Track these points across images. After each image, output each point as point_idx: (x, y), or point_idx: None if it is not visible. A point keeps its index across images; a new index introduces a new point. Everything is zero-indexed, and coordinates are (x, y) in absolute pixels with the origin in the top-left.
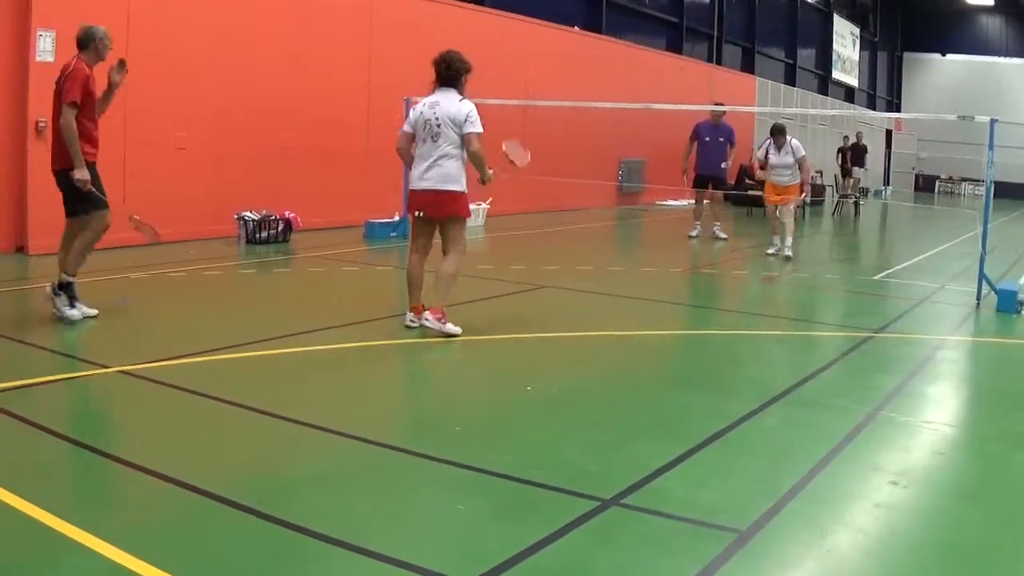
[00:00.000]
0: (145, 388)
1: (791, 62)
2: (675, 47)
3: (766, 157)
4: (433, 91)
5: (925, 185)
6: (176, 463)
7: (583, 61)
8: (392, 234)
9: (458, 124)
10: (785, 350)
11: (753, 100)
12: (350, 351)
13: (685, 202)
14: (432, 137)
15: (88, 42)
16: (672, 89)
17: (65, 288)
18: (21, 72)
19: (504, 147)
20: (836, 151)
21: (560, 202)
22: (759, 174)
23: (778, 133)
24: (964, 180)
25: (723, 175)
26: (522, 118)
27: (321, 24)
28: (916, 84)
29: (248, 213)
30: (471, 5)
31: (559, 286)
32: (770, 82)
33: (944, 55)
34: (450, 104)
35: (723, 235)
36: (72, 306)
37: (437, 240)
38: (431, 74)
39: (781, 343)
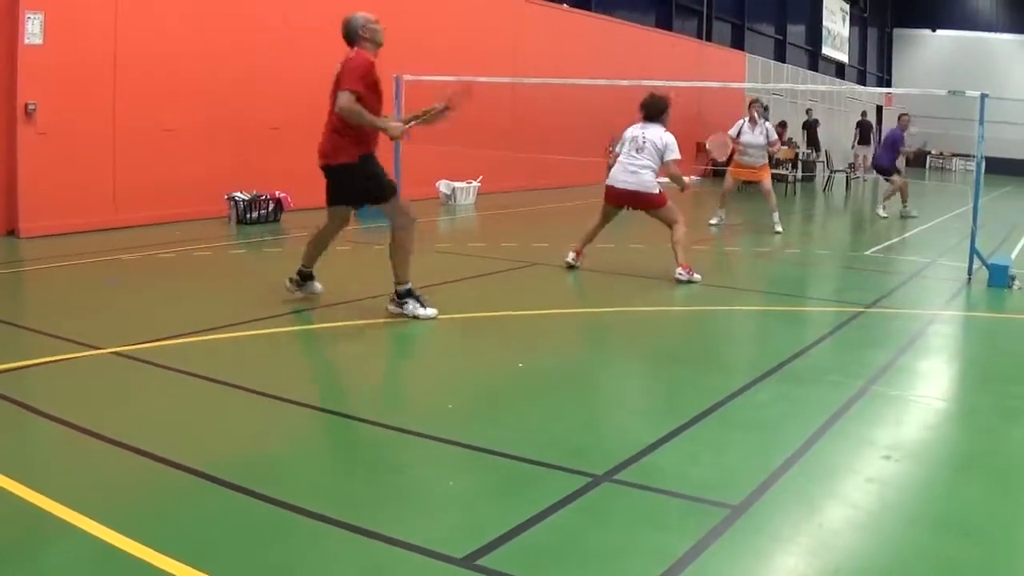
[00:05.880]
0: (137, 369)
1: (781, 38)
2: (664, 24)
3: (739, 135)
4: (642, 121)
5: (916, 161)
6: (168, 443)
7: (572, 38)
8: None
9: (659, 149)
10: (777, 325)
11: (743, 77)
12: (342, 330)
13: None
14: (637, 149)
15: (352, 35)
16: (662, 66)
17: (407, 295)
18: (10, 55)
19: (708, 146)
20: (802, 126)
21: (551, 180)
22: (735, 149)
23: (757, 104)
24: (955, 155)
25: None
26: (511, 96)
27: (308, 2)
28: (906, 60)
29: (238, 193)
30: None
31: (550, 263)
32: (760, 58)
33: (934, 31)
34: (656, 132)
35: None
36: (423, 305)
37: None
38: (421, 51)
39: (773, 318)
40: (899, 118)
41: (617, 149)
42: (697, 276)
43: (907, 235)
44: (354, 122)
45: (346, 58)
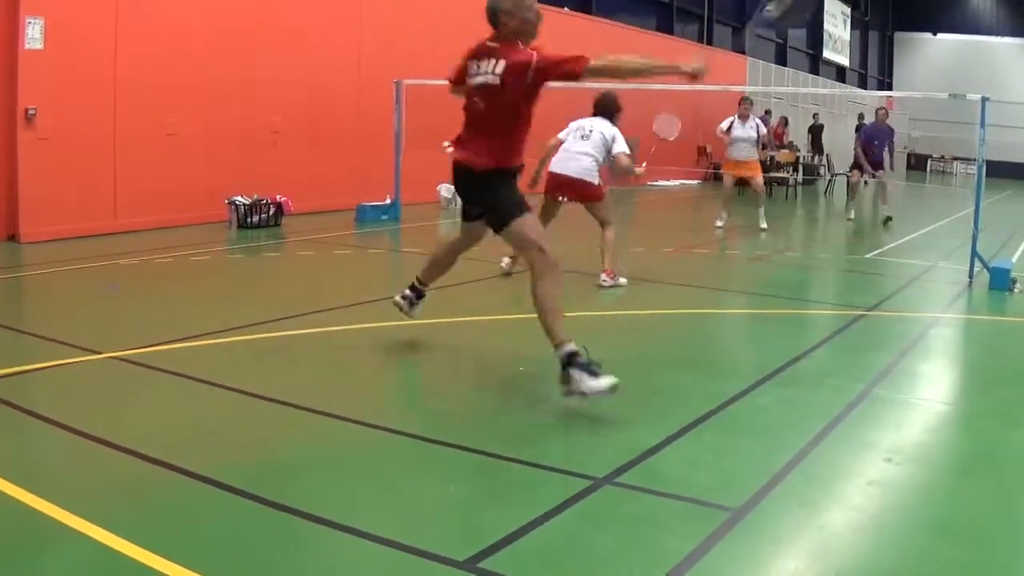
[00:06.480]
0: (137, 373)
1: (782, 42)
2: (665, 27)
3: (729, 129)
4: (592, 115)
5: (917, 164)
6: (168, 447)
7: (573, 42)
8: (383, 217)
9: (607, 141)
10: (778, 329)
11: (744, 80)
12: (341, 334)
13: (677, 183)
14: (583, 137)
15: (496, 19)
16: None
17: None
18: (10, 60)
19: (654, 128)
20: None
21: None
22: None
23: (746, 101)
24: (956, 159)
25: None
26: None
27: (311, 7)
28: (907, 63)
29: (239, 198)
30: None
31: None
32: (761, 62)
33: (935, 34)
34: (604, 124)
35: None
36: (594, 374)
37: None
38: (421, 56)
39: (773, 322)
40: (876, 112)
41: (561, 136)
42: (622, 280)
43: (908, 238)
44: (621, 75)
45: (512, 59)
